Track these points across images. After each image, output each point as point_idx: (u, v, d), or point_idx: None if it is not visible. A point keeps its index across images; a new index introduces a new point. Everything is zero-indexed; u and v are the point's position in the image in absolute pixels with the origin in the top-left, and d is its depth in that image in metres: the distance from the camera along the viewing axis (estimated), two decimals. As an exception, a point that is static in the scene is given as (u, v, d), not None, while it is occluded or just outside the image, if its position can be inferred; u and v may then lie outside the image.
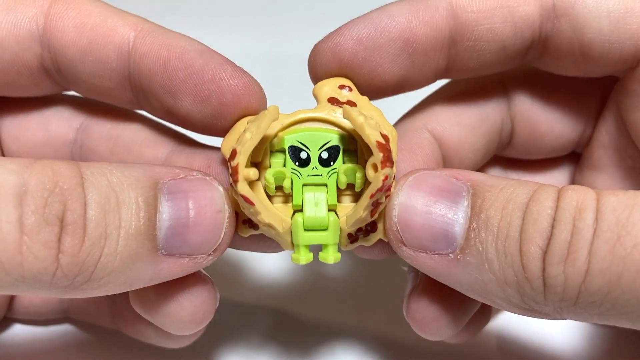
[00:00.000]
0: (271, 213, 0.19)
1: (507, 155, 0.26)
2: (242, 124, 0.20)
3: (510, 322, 0.28)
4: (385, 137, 0.18)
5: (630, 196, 0.17)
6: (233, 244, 0.21)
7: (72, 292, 0.17)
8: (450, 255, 0.18)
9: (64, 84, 0.23)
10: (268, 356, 0.27)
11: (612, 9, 0.20)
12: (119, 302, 0.26)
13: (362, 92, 0.21)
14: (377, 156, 0.18)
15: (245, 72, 0.20)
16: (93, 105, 0.24)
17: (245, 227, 0.20)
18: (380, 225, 0.20)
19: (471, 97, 0.24)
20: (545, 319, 0.18)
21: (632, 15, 0.20)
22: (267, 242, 0.21)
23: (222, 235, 0.19)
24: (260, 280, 0.31)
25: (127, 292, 0.22)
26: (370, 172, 0.18)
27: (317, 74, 0.21)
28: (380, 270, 0.31)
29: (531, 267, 0.17)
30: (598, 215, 0.16)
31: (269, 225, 0.19)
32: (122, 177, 0.18)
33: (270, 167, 0.20)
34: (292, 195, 0.20)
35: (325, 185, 0.20)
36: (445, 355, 0.27)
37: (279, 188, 0.20)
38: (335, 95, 0.20)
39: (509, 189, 0.18)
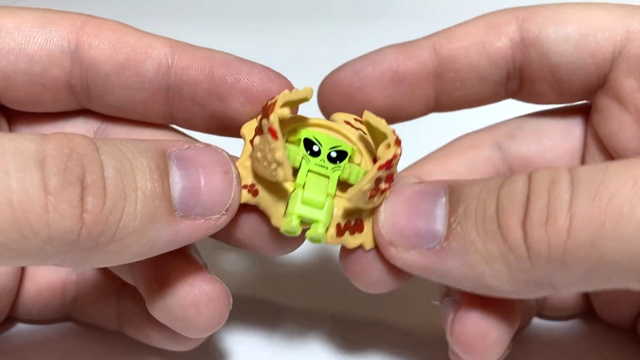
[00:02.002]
0: (285, 155, 0.20)
1: None
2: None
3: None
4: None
5: (603, 163, 0.19)
6: (235, 242, 0.22)
7: (97, 256, 0.18)
8: (436, 247, 0.20)
9: (84, 102, 0.24)
10: (272, 353, 0.28)
11: (569, 35, 0.23)
12: (125, 305, 0.26)
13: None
14: (392, 137, 0.20)
15: (282, 75, 0.23)
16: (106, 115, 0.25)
17: (244, 192, 0.21)
18: (366, 227, 0.21)
19: (460, 151, 0.26)
20: (537, 295, 0.19)
21: (587, 38, 0.23)
22: (265, 240, 0.22)
23: (232, 194, 0.20)
24: (261, 279, 0.31)
25: (135, 297, 0.24)
26: (381, 150, 0.20)
27: (322, 103, 0.26)
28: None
29: (511, 237, 0.18)
30: (574, 181, 0.18)
31: (279, 163, 0.19)
32: (132, 147, 0.19)
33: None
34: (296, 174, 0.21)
35: (328, 177, 0.21)
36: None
37: None
38: (350, 121, 0.23)
39: (481, 181, 0.20)
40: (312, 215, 0.20)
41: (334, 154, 0.21)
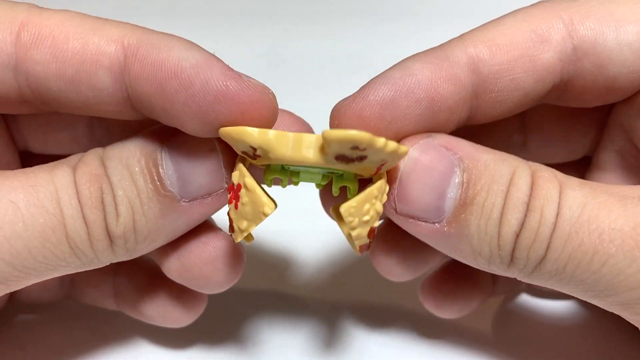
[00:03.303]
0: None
1: None
2: (242, 142, 0.19)
3: (510, 306, 0.29)
4: (372, 232, 0.20)
5: (584, 194, 0.20)
6: None
7: (133, 254, 0.21)
8: (436, 224, 0.21)
9: (49, 110, 0.21)
10: (266, 338, 0.28)
11: (632, 41, 0.21)
12: (120, 283, 0.27)
13: None
14: (356, 250, 0.21)
15: (250, 80, 0.19)
16: None
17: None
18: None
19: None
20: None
21: None
22: None
23: (222, 170, 0.21)
24: (257, 266, 0.32)
25: (130, 275, 0.27)
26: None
27: None
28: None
29: (505, 248, 0.20)
30: (559, 210, 0.19)
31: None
32: (131, 152, 0.20)
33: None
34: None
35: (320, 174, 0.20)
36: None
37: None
38: (346, 154, 0.18)
39: (492, 166, 0.20)
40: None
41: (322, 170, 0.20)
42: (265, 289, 0.30)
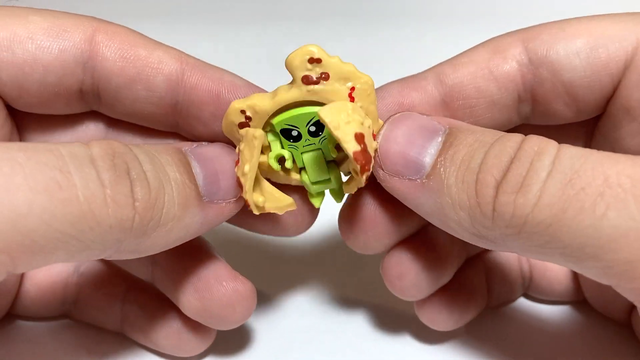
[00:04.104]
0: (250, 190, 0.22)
1: None
2: (235, 113, 0.22)
3: (508, 316, 0.29)
4: (360, 136, 0.20)
5: (587, 150, 0.19)
6: (249, 225, 0.25)
7: (146, 242, 0.20)
8: (417, 180, 0.21)
9: (94, 106, 0.24)
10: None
11: (579, 49, 0.22)
12: (130, 310, 0.27)
13: None
14: (356, 167, 0.21)
15: None
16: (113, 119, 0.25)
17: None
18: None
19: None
20: (491, 248, 0.21)
21: (597, 49, 0.22)
22: (275, 223, 0.25)
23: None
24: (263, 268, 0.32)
25: (141, 303, 0.27)
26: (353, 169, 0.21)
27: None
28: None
29: (483, 193, 0.19)
30: (556, 160, 0.19)
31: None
32: (154, 147, 0.21)
33: (269, 145, 0.23)
34: (295, 162, 0.23)
35: (320, 149, 0.23)
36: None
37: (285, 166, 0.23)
38: (308, 73, 0.21)
39: (479, 132, 0.21)
40: (326, 187, 0.24)
41: (312, 128, 0.22)
42: (264, 291, 0.30)
